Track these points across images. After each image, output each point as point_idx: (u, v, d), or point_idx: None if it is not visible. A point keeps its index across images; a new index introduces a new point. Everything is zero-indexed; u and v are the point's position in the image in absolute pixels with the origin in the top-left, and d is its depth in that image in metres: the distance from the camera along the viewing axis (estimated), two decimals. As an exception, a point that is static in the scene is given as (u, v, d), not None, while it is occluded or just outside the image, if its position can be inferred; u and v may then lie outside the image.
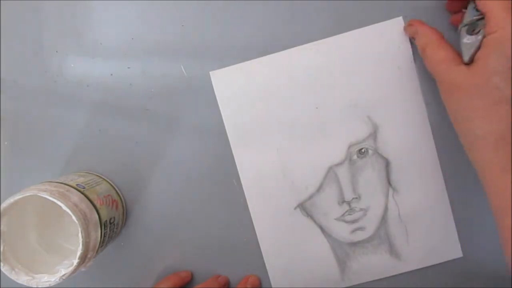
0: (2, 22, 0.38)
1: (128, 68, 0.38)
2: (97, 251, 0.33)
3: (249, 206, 0.38)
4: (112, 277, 0.39)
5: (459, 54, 0.32)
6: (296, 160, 0.38)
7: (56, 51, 0.38)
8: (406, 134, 0.37)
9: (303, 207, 0.38)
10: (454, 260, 0.38)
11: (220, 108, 0.38)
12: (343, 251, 0.38)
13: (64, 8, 0.38)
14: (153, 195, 0.39)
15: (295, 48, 0.37)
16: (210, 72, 0.38)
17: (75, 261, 0.30)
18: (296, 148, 0.38)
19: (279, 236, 0.38)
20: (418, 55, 0.36)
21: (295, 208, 0.38)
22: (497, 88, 0.28)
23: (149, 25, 0.38)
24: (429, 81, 0.37)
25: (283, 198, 0.38)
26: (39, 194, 0.30)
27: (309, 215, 0.38)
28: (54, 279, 0.31)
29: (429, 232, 0.38)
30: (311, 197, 0.38)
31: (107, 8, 0.38)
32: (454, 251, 0.38)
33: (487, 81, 0.28)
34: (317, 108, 0.37)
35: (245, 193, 0.38)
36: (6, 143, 0.39)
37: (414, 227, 0.38)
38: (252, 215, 0.38)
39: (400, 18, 0.36)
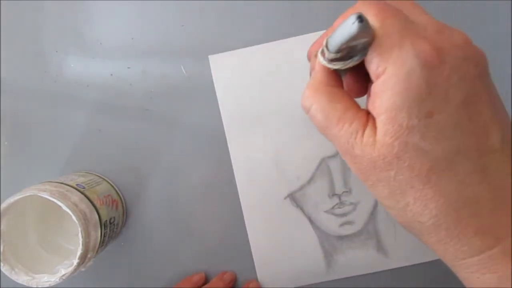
0: (2, 22, 0.38)
1: (128, 68, 0.38)
2: (97, 251, 0.33)
3: (239, 192, 0.38)
4: (112, 277, 0.39)
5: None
6: (289, 149, 0.38)
7: (56, 51, 0.38)
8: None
9: (293, 198, 0.38)
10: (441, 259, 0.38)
11: (217, 93, 0.38)
12: (330, 244, 0.38)
13: (64, 8, 0.38)
14: (153, 195, 0.39)
15: (294, 37, 0.37)
16: (209, 56, 0.38)
17: (75, 261, 0.30)
18: (290, 138, 0.38)
19: (268, 225, 0.38)
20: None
21: (285, 198, 0.38)
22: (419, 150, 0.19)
23: (149, 25, 0.38)
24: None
25: (274, 187, 0.38)
26: (39, 194, 0.30)
27: (299, 206, 0.38)
28: (54, 279, 0.31)
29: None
30: (302, 188, 0.38)
31: (107, 8, 0.38)
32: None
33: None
34: None
35: (236, 180, 0.38)
36: (6, 143, 0.39)
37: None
38: (241, 202, 0.38)
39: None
